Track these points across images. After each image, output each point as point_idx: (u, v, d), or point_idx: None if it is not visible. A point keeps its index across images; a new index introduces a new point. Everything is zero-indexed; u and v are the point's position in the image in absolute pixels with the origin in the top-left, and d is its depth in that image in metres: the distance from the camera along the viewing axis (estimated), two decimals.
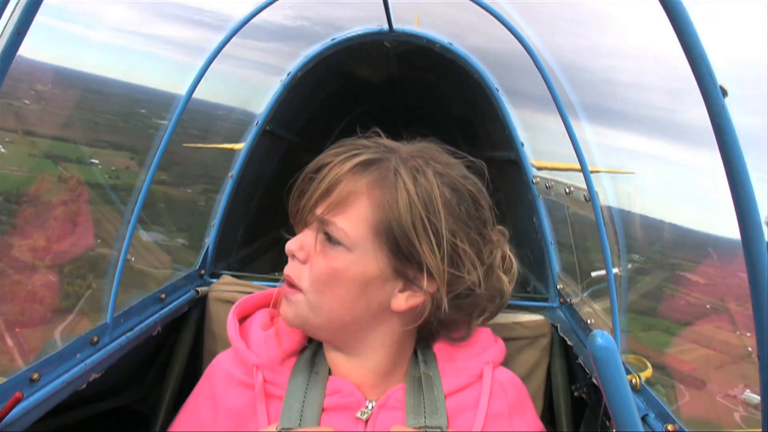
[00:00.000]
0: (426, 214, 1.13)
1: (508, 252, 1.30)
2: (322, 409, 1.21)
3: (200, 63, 1.88)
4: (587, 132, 1.92)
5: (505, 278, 1.28)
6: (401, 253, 1.14)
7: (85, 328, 1.48)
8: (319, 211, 1.16)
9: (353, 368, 1.25)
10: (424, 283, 1.15)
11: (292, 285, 1.20)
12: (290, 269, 1.21)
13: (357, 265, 1.14)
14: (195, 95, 1.84)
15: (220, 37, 1.93)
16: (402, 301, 1.18)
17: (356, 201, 1.14)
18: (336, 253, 1.15)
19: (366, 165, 1.15)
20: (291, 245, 1.20)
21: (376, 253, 1.14)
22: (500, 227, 1.30)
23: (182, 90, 1.82)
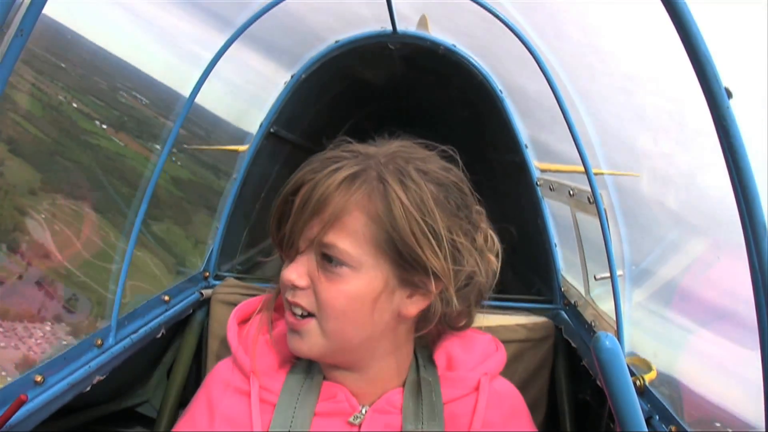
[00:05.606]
0: (422, 217, 1.10)
1: (489, 231, 1.29)
2: (314, 414, 1.20)
3: None
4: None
5: (493, 258, 1.27)
6: (405, 261, 1.12)
7: None
8: (312, 233, 1.11)
9: (349, 376, 1.24)
10: (432, 285, 1.14)
11: (303, 314, 1.15)
12: (297, 297, 1.14)
13: (364, 283, 1.11)
14: None
15: None
16: (411, 306, 1.17)
17: (351, 217, 1.10)
18: (341, 274, 1.11)
19: (352, 178, 1.11)
20: (290, 275, 1.14)
21: (379, 266, 1.11)
22: (477, 207, 1.28)
23: None
